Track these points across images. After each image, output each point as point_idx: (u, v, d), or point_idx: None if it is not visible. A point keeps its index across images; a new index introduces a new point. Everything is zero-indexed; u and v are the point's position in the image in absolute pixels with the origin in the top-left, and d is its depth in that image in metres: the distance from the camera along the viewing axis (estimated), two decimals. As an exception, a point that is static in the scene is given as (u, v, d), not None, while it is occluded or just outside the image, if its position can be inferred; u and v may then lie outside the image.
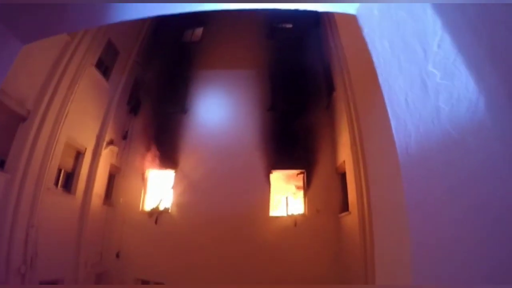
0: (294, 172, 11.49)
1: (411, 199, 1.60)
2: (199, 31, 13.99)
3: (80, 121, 9.06)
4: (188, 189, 11.28)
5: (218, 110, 12.30)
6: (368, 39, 1.98)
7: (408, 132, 1.53)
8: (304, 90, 12.24)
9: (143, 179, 11.65)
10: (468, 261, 1.16)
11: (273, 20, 13.49)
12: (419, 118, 1.45)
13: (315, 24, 12.52)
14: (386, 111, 1.79)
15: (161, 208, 11.22)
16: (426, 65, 1.38)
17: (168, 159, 11.70)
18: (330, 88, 10.98)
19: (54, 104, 7.77)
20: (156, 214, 10.97)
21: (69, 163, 9.01)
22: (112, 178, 11.01)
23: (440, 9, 1.29)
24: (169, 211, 11.13)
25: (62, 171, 8.73)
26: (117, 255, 10.22)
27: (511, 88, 0.96)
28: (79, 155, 9.35)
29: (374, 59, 1.89)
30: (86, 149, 9.50)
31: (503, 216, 0.97)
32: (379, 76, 1.84)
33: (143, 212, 11.20)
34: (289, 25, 13.88)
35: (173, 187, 11.46)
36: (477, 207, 1.10)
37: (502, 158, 0.99)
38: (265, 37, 13.26)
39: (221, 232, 10.30)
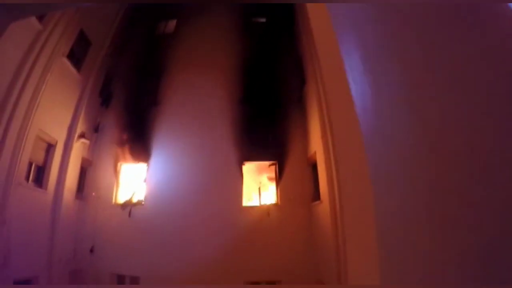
0: (266, 163, 11.72)
1: (377, 179, 1.83)
2: (172, 23, 13.85)
3: (51, 113, 8.78)
4: (162, 182, 11.22)
5: (191, 103, 12.28)
6: (336, 28, 2.21)
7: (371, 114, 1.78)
8: (276, 83, 12.46)
9: (115, 172, 11.48)
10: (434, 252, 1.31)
11: (247, 14, 13.59)
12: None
13: (289, 19, 12.75)
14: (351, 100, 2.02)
15: (134, 200, 11.12)
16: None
17: (141, 152, 11.61)
18: (302, 81, 11.27)
19: (25, 95, 7.48)
20: (129, 207, 10.87)
21: (40, 157, 8.71)
22: (83, 172, 10.78)
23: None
24: (143, 203, 11.06)
25: (33, 165, 8.43)
26: (91, 250, 10.08)
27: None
28: (50, 148, 9.06)
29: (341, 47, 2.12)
30: (57, 141, 9.22)
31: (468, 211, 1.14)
32: (345, 62, 2.07)
33: (116, 205, 11.04)
34: (263, 20, 14.00)
35: (146, 180, 11.39)
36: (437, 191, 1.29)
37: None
38: (239, 31, 13.34)
39: (195, 223, 10.40)
